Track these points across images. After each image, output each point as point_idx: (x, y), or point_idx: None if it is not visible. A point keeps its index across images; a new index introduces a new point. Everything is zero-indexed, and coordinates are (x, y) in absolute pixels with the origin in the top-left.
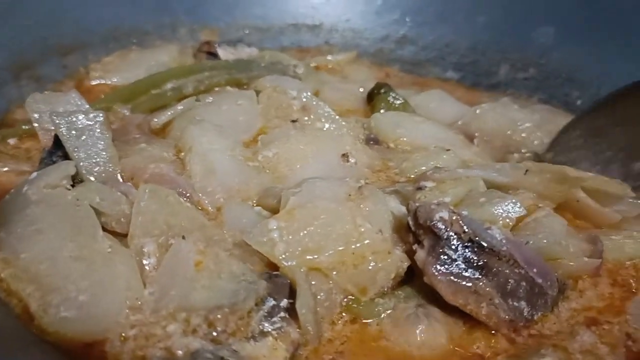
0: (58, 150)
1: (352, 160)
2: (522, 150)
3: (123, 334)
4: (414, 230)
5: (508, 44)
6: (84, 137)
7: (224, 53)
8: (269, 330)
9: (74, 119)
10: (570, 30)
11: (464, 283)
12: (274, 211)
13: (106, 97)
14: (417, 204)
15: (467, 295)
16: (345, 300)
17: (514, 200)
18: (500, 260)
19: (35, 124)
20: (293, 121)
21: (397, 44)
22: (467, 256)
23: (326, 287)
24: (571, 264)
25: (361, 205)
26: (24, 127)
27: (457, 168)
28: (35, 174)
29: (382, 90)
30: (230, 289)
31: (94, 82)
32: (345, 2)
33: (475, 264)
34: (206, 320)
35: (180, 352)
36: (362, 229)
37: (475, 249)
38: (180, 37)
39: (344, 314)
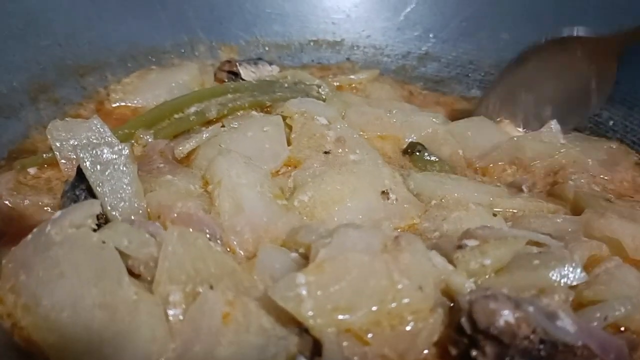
0: (81, 183)
1: (392, 196)
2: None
3: None
4: (471, 334)
5: None
6: (108, 171)
7: (246, 72)
8: None
9: (99, 152)
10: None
11: None
12: (303, 256)
13: (128, 123)
14: (468, 299)
15: None
16: None
17: (574, 264)
18: (576, 356)
19: (57, 152)
20: (326, 152)
21: (419, 60)
22: None
23: (360, 351)
24: None
25: (398, 258)
26: (44, 155)
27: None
28: (59, 213)
29: (417, 150)
30: (258, 344)
31: (114, 105)
32: (366, 18)
33: None
34: None
35: None
36: (400, 286)
37: (549, 351)
38: (199, 54)
39: None
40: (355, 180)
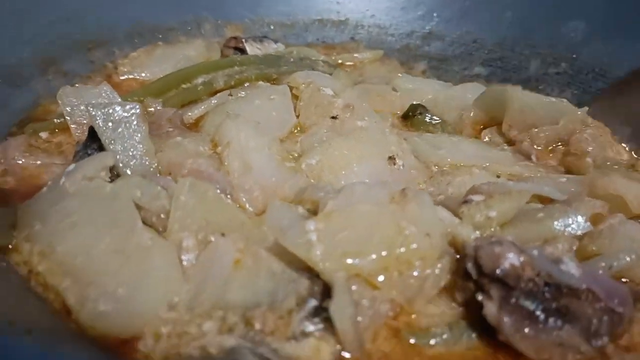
0: (93, 143)
1: (399, 162)
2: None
3: (156, 332)
4: (477, 279)
5: (537, 38)
6: (120, 129)
7: (252, 48)
8: (311, 330)
9: (111, 111)
10: (602, 24)
11: (548, 337)
12: (311, 212)
13: (137, 91)
14: (474, 244)
15: (552, 349)
16: (391, 313)
17: (578, 215)
18: (580, 300)
19: (68, 117)
20: (333, 117)
21: (423, 40)
22: (546, 304)
23: (369, 295)
24: None
25: (405, 208)
26: (55, 120)
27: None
28: (72, 165)
29: (418, 112)
30: (269, 287)
31: (122, 77)
32: None
33: (556, 311)
34: (243, 319)
35: (214, 351)
36: (407, 232)
37: (553, 293)
38: (205, 32)
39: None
40: (362, 145)
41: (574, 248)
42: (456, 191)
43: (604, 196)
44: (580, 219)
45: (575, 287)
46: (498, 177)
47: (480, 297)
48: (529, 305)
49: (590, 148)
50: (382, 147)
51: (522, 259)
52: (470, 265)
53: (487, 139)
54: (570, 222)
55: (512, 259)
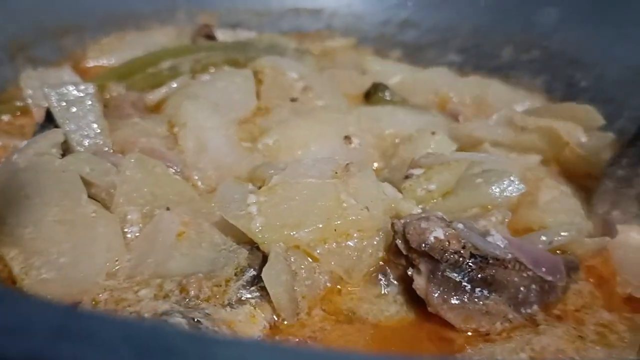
0: (50, 123)
1: (356, 141)
2: None
3: (95, 299)
4: (406, 254)
5: (511, 26)
6: (74, 108)
7: (223, 36)
8: (247, 298)
9: (65, 91)
10: (574, 11)
11: (474, 306)
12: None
13: (101, 75)
14: (403, 221)
15: (479, 318)
16: (329, 284)
17: (512, 177)
18: (507, 269)
19: (29, 100)
20: (293, 100)
21: (398, 28)
22: (472, 274)
23: (308, 266)
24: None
25: (347, 182)
26: (17, 103)
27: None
28: (24, 142)
29: (379, 90)
30: (209, 257)
31: (90, 64)
32: None
33: (482, 281)
34: (179, 286)
35: (147, 315)
36: (345, 205)
37: (480, 264)
38: (178, 20)
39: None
40: (320, 125)
41: (507, 220)
42: (399, 162)
43: (535, 129)
44: (516, 182)
45: (501, 258)
46: (433, 133)
47: (410, 272)
48: (456, 276)
49: None
50: (340, 126)
51: (447, 232)
52: (399, 242)
53: None
54: (506, 185)
55: (437, 233)
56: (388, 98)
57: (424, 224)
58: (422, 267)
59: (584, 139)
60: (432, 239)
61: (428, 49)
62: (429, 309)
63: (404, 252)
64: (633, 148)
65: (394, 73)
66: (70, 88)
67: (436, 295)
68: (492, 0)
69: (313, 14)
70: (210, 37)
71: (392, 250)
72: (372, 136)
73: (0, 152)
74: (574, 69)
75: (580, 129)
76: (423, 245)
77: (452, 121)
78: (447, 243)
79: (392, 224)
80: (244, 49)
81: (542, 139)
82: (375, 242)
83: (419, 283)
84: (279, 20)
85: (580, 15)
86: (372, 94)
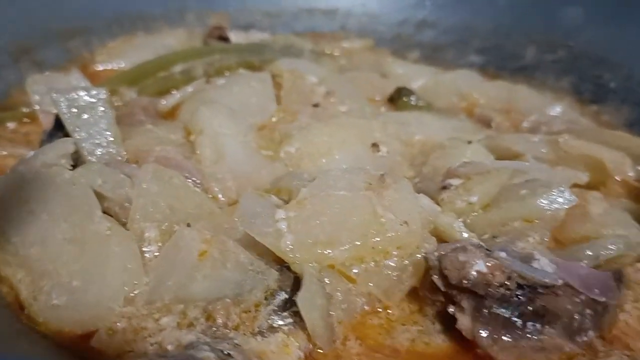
0: (59, 131)
1: (383, 149)
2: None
3: (111, 327)
4: (446, 291)
5: (533, 25)
6: (85, 115)
7: (236, 38)
8: (279, 325)
9: (75, 96)
10: (598, 9)
11: (527, 343)
12: (286, 201)
13: (111, 80)
14: (437, 254)
15: (534, 354)
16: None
17: (561, 188)
18: (558, 296)
19: (36, 106)
20: (315, 105)
21: (416, 28)
22: (522, 308)
23: (344, 288)
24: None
25: (383, 194)
26: (23, 109)
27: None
28: (32, 152)
29: (404, 95)
30: (235, 279)
31: (99, 67)
32: None
33: (533, 314)
34: (205, 313)
35: (171, 347)
36: (384, 220)
37: (528, 295)
38: (189, 22)
39: None
40: (344, 132)
41: (546, 239)
42: (430, 170)
43: (579, 157)
44: (566, 193)
45: (551, 285)
46: (470, 142)
47: (451, 310)
48: (504, 312)
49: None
50: (365, 133)
51: (489, 263)
52: (436, 278)
53: None
54: (556, 197)
55: (478, 266)
56: (413, 103)
57: (462, 257)
58: (465, 304)
59: (631, 172)
60: (473, 273)
61: (447, 50)
62: (478, 350)
63: (442, 289)
64: None
65: (417, 76)
66: (81, 93)
67: (485, 335)
68: (510, 0)
69: (327, 14)
70: (223, 38)
71: (427, 286)
72: (399, 143)
73: (4, 162)
74: (602, 69)
75: (629, 162)
76: (465, 281)
77: (482, 127)
78: (490, 276)
79: (426, 258)
80: (259, 50)
81: (587, 166)
82: (416, 261)
83: (464, 323)
84: (292, 20)
85: (605, 14)
86: (397, 99)
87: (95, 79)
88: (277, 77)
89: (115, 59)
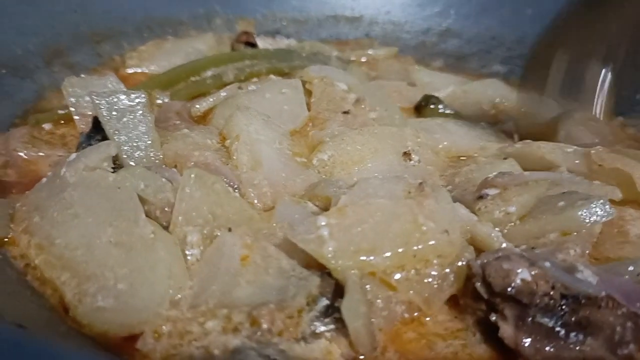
0: (97, 134)
1: (415, 157)
2: None
3: (157, 331)
4: (488, 299)
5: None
6: (125, 118)
7: (263, 44)
8: (322, 331)
9: (115, 100)
10: None
11: (570, 354)
12: (322, 208)
13: (144, 84)
14: (480, 262)
15: None
16: (407, 314)
17: (601, 201)
18: (601, 308)
19: (72, 109)
20: (345, 112)
21: (439, 37)
22: (565, 318)
23: (384, 295)
24: None
25: (423, 203)
26: (59, 111)
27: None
28: (74, 155)
29: (431, 102)
30: (277, 285)
31: (130, 71)
32: None
33: (576, 324)
34: (249, 318)
35: (217, 351)
36: (425, 228)
37: (572, 306)
38: (216, 27)
39: None
40: (376, 140)
41: (587, 252)
42: (463, 180)
43: (610, 171)
44: (606, 206)
45: (594, 296)
46: (505, 159)
47: (494, 318)
48: (548, 321)
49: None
50: (397, 141)
51: (534, 272)
52: (479, 285)
53: None
54: (596, 209)
55: (523, 274)
56: (441, 111)
57: (506, 265)
58: (508, 312)
59: None
60: (518, 281)
61: (471, 59)
62: (520, 359)
63: (485, 297)
64: None
65: (444, 84)
66: (122, 97)
67: (528, 344)
68: (537, 10)
69: (352, 22)
70: (251, 44)
71: (468, 294)
72: (431, 152)
73: (43, 163)
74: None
75: None
76: (509, 289)
77: (507, 137)
78: (535, 285)
79: (469, 266)
80: (287, 57)
81: (618, 182)
82: (456, 269)
83: (507, 332)
84: (317, 27)
85: None
86: (424, 107)
87: (126, 83)
88: (306, 84)
89: (146, 63)
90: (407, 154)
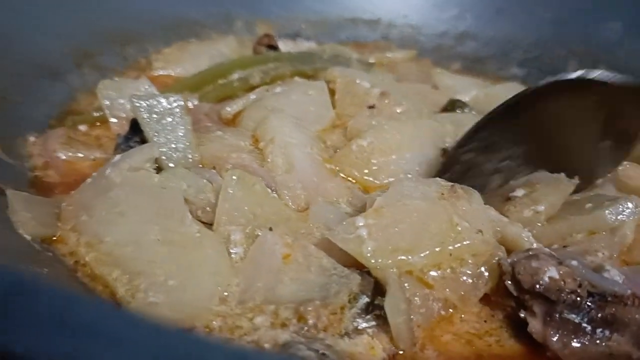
0: (135, 135)
1: None
2: None
3: (208, 325)
4: (518, 295)
5: (574, 39)
6: (164, 121)
7: (284, 46)
8: (364, 327)
9: (155, 103)
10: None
11: (597, 349)
12: (356, 209)
13: (173, 87)
14: (510, 261)
15: (602, 359)
16: (443, 312)
17: (628, 201)
18: (627, 306)
19: (107, 111)
20: (370, 107)
21: (457, 40)
22: (592, 314)
23: (422, 293)
24: None
25: (456, 204)
26: (94, 114)
27: None
28: (118, 156)
29: (457, 106)
30: (320, 282)
31: (156, 73)
32: None
33: (602, 321)
34: (296, 314)
35: (268, 345)
36: (460, 228)
37: (598, 303)
38: (236, 30)
39: None
40: (417, 132)
41: (615, 255)
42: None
43: (635, 188)
44: (631, 205)
45: (620, 294)
46: None
47: (523, 315)
48: (575, 317)
49: None
50: (438, 135)
51: (562, 270)
52: (509, 283)
53: None
54: (623, 209)
55: (551, 272)
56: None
57: (534, 263)
58: (536, 308)
59: None
60: (546, 279)
61: (488, 62)
62: (548, 353)
63: (515, 294)
64: None
65: (467, 88)
66: (161, 100)
67: (555, 339)
68: (553, 13)
69: (370, 25)
70: (272, 47)
71: (499, 291)
72: None
73: (81, 164)
74: None
75: None
76: (537, 286)
77: None
78: (562, 282)
79: (499, 264)
80: (309, 59)
81: None
82: (490, 268)
83: (535, 327)
84: (336, 30)
85: None
86: (450, 111)
87: (153, 84)
88: (330, 83)
89: (171, 66)
90: (445, 152)
